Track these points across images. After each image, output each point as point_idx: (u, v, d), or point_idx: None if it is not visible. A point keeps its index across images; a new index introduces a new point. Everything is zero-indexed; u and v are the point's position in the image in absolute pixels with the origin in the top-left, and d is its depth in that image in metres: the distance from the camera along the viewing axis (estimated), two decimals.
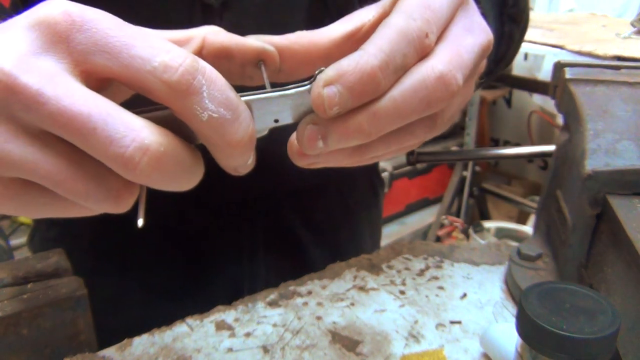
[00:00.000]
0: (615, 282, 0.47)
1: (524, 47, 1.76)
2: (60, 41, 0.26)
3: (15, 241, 2.34)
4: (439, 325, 0.53)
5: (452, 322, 0.54)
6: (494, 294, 0.58)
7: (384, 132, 0.31)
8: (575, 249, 0.53)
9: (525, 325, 0.35)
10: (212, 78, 0.27)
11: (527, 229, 2.29)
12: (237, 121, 0.28)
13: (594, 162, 0.50)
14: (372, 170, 0.79)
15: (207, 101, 0.26)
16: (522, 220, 2.62)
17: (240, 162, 0.30)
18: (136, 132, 0.25)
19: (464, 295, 0.58)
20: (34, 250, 0.71)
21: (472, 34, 0.34)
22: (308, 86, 0.31)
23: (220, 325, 0.53)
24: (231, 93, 0.28)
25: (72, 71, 0.26)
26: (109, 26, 0.26)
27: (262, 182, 0.56)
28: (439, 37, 0.33)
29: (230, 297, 0.60)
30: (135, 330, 0.51)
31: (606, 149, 0.50)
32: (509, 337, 0.46)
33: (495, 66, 0.57)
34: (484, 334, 0.50)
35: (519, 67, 2.57)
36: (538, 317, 0.34)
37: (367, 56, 0.29)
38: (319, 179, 0.64)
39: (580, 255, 0.53)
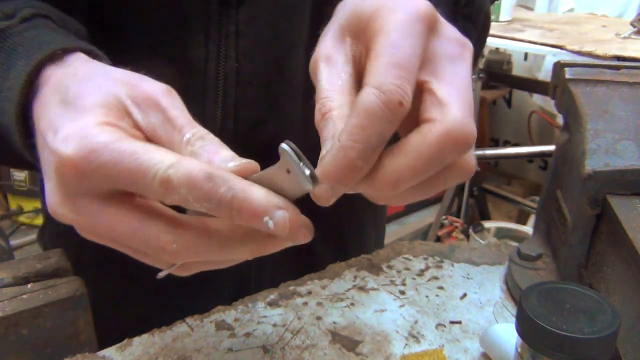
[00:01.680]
0: (615, 282, 0.47)
1: (524, 47, 1.76)
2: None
3: (15, 241, 2.34)
4: (439, 325, 0.53)
5: (452, 322, 0.54)
6: (494, 294, 0.58)
7: (404, 189, 0.33)
8: (575, 249, 0.53)
9: (525, 325, 0.35)
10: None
11: (527, 229, 2.29)
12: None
13: (594, 162, 0.50)
14: None
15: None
16: (522, 220, 2.62)
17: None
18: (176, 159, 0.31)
19: (464, 295, 0.58)
20: (44, 245, 0.71)
21: (460, 60, 0.35)
22: (278, 166, 0.33)
23: (220, 325, 0.53)
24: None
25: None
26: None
27: None
28: (429, 71, 0.34)
29: (237, 293, 0.61)
30: (138, 328, 0.52)
31: (606, 149, 0.50)
32: (509, 337, 0.46)
33: None
34: (484, 334, 0.50)
35: (519, 67, 2.57)
36: (538, 317, 0.34)
37: (344, 151, 0.32)
38: None
39: (580, 255, 0.53)
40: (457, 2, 0.55)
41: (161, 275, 0.37)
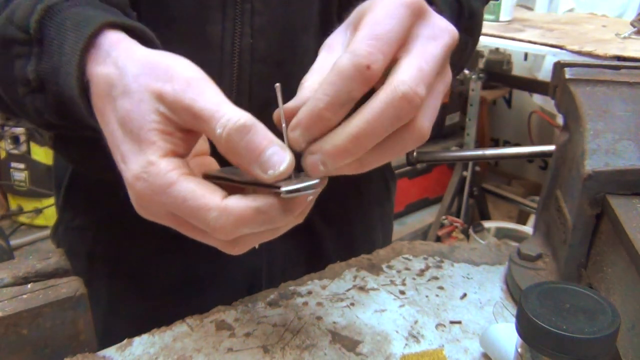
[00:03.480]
0: (615, 282, 0.47)
1: (524, 47, 1.75)
2: None
3: (15, 241, 2.34)
4: (439, 325, 0.54)
5: (452, 322, 0.54)
6: (494, 294, 0.58)
7: (368, 148, 0.38)
8: (575, 249, 0.53)
9: (525, 325, 0.35)
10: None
11: (527, 229, 2.29)
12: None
13: (594, 162, 0.50)
14: (385, 164, 0.81)
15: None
16: (522, 220, 2.61)
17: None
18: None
19: (464, 295, 0.58)
20: (58, 241, 0.72)
21: (435, 40, 0.39)
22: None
23: (220, 325, 0.53)
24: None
25: None
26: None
27: None
28: (404, 49, 0.38)
29: (249, 286, 0.64)
30: (154, 319, 0.53)
31: (606, 149, 0.50)
32: (509, 337, 0.46)
33: None
34: (484, 334, 0.50)
35: (519, 67, 2.57)
36: (538, 317, 0.34)
37: (315, 102, 0.37)
38: None
39: (580, 255, 0.53)
40: (461, 14, 0.56)
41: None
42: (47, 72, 0.41)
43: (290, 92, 0.61)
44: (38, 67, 0.41)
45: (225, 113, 0.36)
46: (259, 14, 0.55)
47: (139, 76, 0.37)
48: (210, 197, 0.36)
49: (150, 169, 0.36)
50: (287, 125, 0.39)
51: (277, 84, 0.39)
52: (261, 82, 0.57)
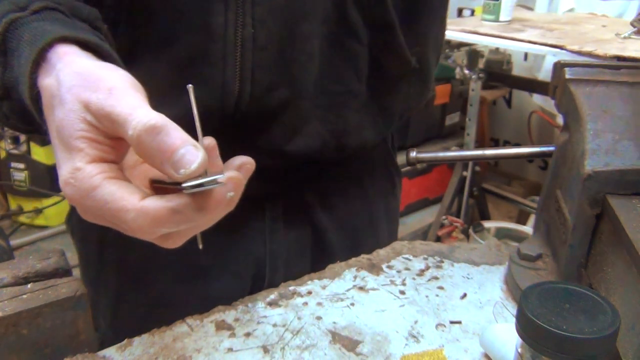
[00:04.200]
0: (615, 282, 0.47)
1: (524, 47, 1.75)
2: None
3: (15, 241, 2.34)
4: (439, 325, 0.54)
5: (452, 322, 0.54)
6: (494, 294, 0.58)
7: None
8: (575, 249, 0.53)
9: (525, 325, 0.35)
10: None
11: (527, 229, 2.29)
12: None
13: (594, 162, 0.50)
14: (389, 159, 0.82)
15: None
16: (522, 220, 2.61)
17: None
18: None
19: (464, 295, 0.58)
20: (72, 228, 0.74)
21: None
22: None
23: (220, 325, 0.53)
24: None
25: None
26: None
27: (280, 154, 0.62)
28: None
29: (253, 276, 0.65)
30: (160, 305, 0.54)
31: (606, 149, 0.50)
32: (509, 337, 0.46)
33: None
34: (484, 334, 0.50)
35: (519, 67, 2.57)
36: (538, 317, 0.34)
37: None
38: (338, 158, 0.68)
39: (580, 255, 0.53)
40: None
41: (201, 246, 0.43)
42: (11, 81, 0.44)
43: (291, 79, 0.62)
44: (3, 76, 0.44)
45: (137, 116, 0.36)
46: (260, 4, 0.57)
47: (72, 87, 0.39)
48: (128, 199, 0.37)
49: (77, 174, 0.38)
50: (201, 125, 0.39)
51: (190, 85, 0.39)
52: (263, 69, 0.59)
